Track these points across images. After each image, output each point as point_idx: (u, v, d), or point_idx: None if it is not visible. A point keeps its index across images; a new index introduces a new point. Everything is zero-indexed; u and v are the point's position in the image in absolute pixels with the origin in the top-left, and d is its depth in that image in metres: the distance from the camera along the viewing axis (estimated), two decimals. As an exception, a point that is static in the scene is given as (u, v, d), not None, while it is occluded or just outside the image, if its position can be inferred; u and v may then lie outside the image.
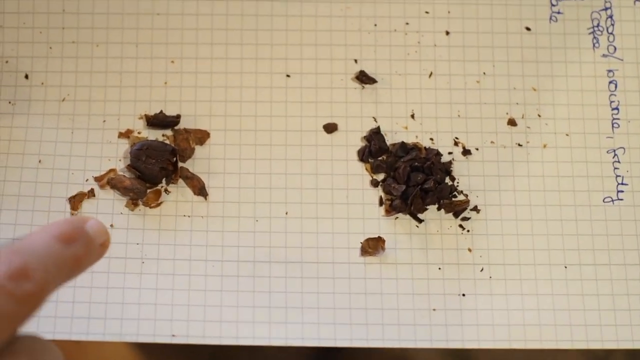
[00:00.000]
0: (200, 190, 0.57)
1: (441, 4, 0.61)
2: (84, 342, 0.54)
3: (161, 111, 0.58)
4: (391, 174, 0.58)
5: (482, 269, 0.56)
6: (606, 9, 0.61)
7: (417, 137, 0.59)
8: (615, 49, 0.61)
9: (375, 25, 0.61)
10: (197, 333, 0.54)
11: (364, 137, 0.59)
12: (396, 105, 0.59)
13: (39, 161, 0.57)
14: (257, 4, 0.61)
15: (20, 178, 0.57)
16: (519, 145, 0.59)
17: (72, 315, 0.54)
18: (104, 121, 0.59)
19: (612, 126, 0.59)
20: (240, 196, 0.57)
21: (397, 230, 0.57)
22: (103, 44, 0.60)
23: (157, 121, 0.58)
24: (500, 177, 0.58)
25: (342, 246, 0.56)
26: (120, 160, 0.58)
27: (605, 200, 0.58)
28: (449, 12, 0.61)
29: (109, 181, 0.57)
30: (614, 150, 0.59)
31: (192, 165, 0.58)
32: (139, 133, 0.58)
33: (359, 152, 0.58)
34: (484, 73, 0.60)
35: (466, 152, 0.58)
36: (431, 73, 0.60)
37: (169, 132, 0.58)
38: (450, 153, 0.59)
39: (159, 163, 0.56)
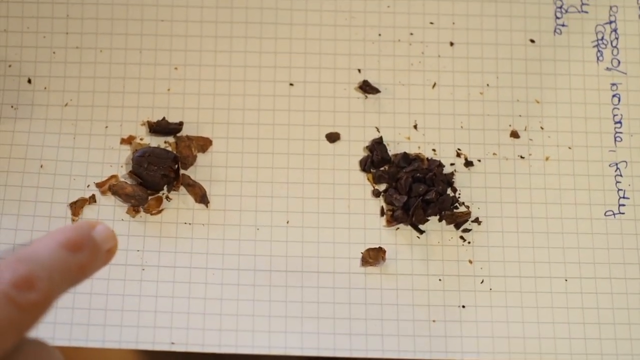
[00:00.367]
0: (201, 197, 0.57)
1: (446, 14, 0.61)
2: (85, 348, 0.54)
3: (164, 118, 0.58)
4: (393, 184, 0.57)
5: (482, 281, 0.56)
6: (611, 22, 0.61)
7: (419, 147, 0.59)
8: (619, 62, 0.61)
9: (380, 35, 0.61)
10: (196, 341, 0.54)
11: (367, 147, 0.59)
12: (399, 116, 0.59)
13: (41, 166, 0.57)
14: (262, 12, 0.61)
15: (21, 183, 0.57)
16: (521, 157, 0.59)
17: (71, 321, 0.54)
18: (107, 127, 0.59)
19: (615, 140, 0.59)
20: (242, 204, 0.57)
21: (398, 240, 0.57)
22: (107, 49, 0.60)
23: (159, 128, 0.58)
24: (502, 189, 0.58)
25: (342, 256, 0.56)
26: (122, 166, 0.58)
27: (607, 213, 0.58)
28: (453, 23, 0.61)
29: (111, 187, 0.57)
30: (616, 164, 0.59)
31: (193, 173, 0.58)
32: (141, 139, 0.58)
33: (361, 162, 0.58)
34: (488, 84, 0.60)
35: (468, 163, 0.58)
36: (434, 84, 0.60)
37: (171, 139, 0.58)
38: (452, 164, 0.58)
39: (160, 170, 0.56)
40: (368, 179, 0.58)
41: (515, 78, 0.60)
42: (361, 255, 0.56)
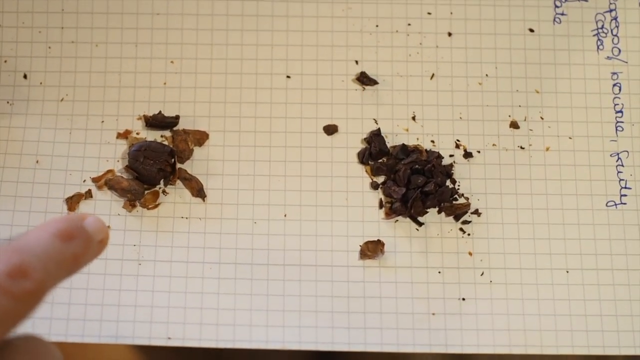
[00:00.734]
0: (198, 191, 0.56)
1: (444, 4, 0.61)
2: (81, 343, 0.54)
3: (160, 112, 0.58)
4: (391, 176, 0.57)
5: (482, 273, 0.56)
6: (611, 10, 0.61)
7: (418, 139, 0.58)
8: (619, 51, 0.60)
9: (377, 26, 0.60)
10: (193, 336, 0.54)
11: (365, 139, 0.58)
12: (397, 107, 0.59)
13: (37, 162, 0.57)
14: (258, 4, 0.60)
15: (17, 179, 0.57)
16: (521, 148, 0.58)
17: (67, 317, 0.54)
18: (103, 122, 0.58)
19: (616, 129, 0.59)
20: (239, 198, 0.57)
21: (397, 233, 0.56)
22: (102, 44, 0.60)
23: (155, 122, 0.58)
24: (502, 180, 0.58)
25: (341, 249, 0.56)
26: (118, 161, 0.58)
27: (609, 204, 0.57)
28: (451, 13, 0.60)
29: (107, 182, 0.56)
30: (618, 154, 0.58)
31: (190, 167, 0.57)
32: (137, 134, 0.58)
33: (359, 154, 0.58)
34: (487, 75, 0.59)
35: (467, 154, 0.58)
36: (433, 75, 0.59)
37: (167, 133, 0.58)
38: (451, 156, 0.58)
39: (157, 164, 0.56)
40: (366, 171, 0.58)
41: (514, 68, 0.60)
42: (360, 248, 0.56)
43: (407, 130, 0.58)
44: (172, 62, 0.59)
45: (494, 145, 0.58)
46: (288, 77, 0.59)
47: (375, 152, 0.57)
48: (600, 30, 0.60)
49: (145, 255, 0.55)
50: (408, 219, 0.57)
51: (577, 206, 0.57)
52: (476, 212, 0.57)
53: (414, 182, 0.56)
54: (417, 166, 0.56)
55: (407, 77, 0.59)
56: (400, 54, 0.60)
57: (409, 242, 0.56)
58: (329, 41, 0.60)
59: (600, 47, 0.60)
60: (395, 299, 0.55)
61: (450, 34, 0.60)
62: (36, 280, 0.31)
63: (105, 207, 0.56)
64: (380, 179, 0.57)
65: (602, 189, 0.58)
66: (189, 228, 0.56)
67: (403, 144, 0.57)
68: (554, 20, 0.60)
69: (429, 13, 0.61)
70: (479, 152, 0.58)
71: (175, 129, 0.58)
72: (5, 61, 0.59)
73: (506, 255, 0.56)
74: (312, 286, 0.55)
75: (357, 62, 0.60)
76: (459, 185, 0.57)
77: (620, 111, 0.59)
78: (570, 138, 0.58)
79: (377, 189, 0.57)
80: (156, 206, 0.57)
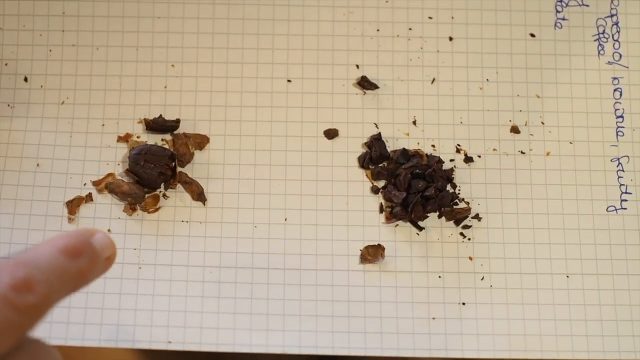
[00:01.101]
0: (199, 195, 0.56)
1: (445, 9, 0.61)
2: (81, 347, 0.54)
3: (160, 115, 0.58)
4: (392, 181, 0.57)
5: (482, 278, 0.56)
6: (612, 15, 0.61)
7: (418, 143, 0.58)
8: (620, 56, 0.60)
9: (378, 30, 0.60)
10: (193, 340, 0.54)
11: (365, 143, 0.58)
12: (398, 112, 0.59)
13: (37, 165, 0.57)
14: (259, 8, 0.60)
15: (18, 182, 0.57)
16: (522, 152, 0.58)
17: (68, 320, 0.54)
18: (103, 125, 0.58)
19: (617, 134, 0.59)
20: (240, 202, 0.57)
21: (397, 237, 0.56)
22: (103, 47, 0.60)
23: (156, 125, 0.58)
24: (503, 185, 0.58)
25: (341, 253, 0.56)
26: (118, 164, 0.58)
27: (609, 209, 0.57)
28: (452, 17, 0.60)
29: (107, 185, 0.56)
30: (618, 159, 0.58)
31: (191, 170, 0.57)
32: (138, 137, 0.58)
33: (359, 158, 0.58)
34: (487, 79, 0.59)
35: (468, 159, 0.58)
36: (434, 79, 0.59)
37: (168, 137, 0.58)
38: (452, 160, 0.58)
39: (157, 168, 0.56)
40: (367, 176, 0.58)
41: (515, 73, 0.60)
42: (360, 252, 0.56)
43: (407, 134, 0.58)
44: (173, 65, 0.59)
45: (494, 149, 0.58)
46: (289, 81, 0.59)
47: (376, 157, 0.57)
48: (601, 35, 0.60)
49: (145, 258, 0.55)
50: (408, 224, 0.57)
51: (577, 211, 0.57)
52: (476, 217, 0.57)
53: (415, 186, 0.56)
54: (417, 170, 0.56)
55: (408, 82, 0.59)
56: (401, 58, 0.60)
57: (410, 247, 0.56)
58: (330, 45, 0.60)
59: (601, 52, 0.60)
60: (396, 304, 0.55)
61: (451, 39, 0.60)
62: (40, 294, 0.31)
63: (105, 211, 0.56)
64: (381, 184, 0.57)
65: (602, 194, 0.58)
66: (190, 232, 0.56)
67: (404, 149, 0.57)
68: (555, 25, 0.60)
69: (430, 17, 0.61)
70: (479, 156, 0.58)
71: (175, 132, 0.58)
72: (6, 64, 0.59)
73: (506, 259, 0.56)
74: (313, 290, 0.55)
75: (358, 66, 0.60)
76: (459, 190, 0.57)
77: (621, 116, 0.59)
78: (570, 143, 0.58)
79: (377, 194, 0.57)
80: (156, 210, 0.56)
